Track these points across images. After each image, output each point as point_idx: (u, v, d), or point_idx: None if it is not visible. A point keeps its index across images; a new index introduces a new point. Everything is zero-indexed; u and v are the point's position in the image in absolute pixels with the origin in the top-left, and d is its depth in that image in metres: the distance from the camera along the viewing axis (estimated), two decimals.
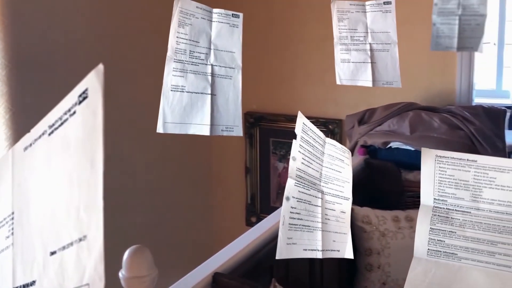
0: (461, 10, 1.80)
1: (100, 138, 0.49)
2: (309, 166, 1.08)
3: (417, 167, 2.75)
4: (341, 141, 3.42)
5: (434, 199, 1.16)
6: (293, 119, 3.52)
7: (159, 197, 3.34)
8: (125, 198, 3.03)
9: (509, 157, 4.24)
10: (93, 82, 0.50)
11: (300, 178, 1.06)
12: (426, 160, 1.19)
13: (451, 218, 1.17)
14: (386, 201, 2.61)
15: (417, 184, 2.67)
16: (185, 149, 3.47)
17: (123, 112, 3.00)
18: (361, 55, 1.43)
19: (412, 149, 2.69)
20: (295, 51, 3.50)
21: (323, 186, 1.13)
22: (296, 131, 1.14)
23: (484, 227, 1.13)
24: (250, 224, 3.59)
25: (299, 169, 1.05)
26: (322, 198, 1.13)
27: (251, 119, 3.65)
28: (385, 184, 2.69)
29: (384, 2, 1.36)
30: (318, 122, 3.46)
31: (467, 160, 1.09)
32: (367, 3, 1.38)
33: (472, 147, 2.65)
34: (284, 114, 3.55)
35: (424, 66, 3.20)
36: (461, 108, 2.82)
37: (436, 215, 1.17)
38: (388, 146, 2.76)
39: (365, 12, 1.39)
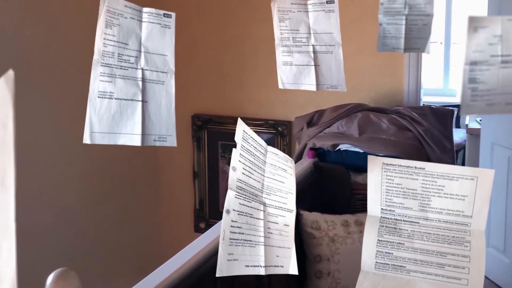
0: (407, 9, 1.77)
1: (11, 154, 0.45)
2: (250, 177, 1.02)
3: (366, 169, 2.70)
4: (290, 143, 3.36)
5: (382, 209, 1.10)
6: None
7: (103, 206, 3.19)
8: (58, 213, 2.87)
9: (457, 156, 4.30)
10: (1, 90, 0.44)
11: (241, 190, 1.00)
12: (373, 169, 1.13)
13: (399, 229, 1.12)
14: (336, 204, 2.56)
15: (366, 187, 2.64)
16: (130, 153, 3.33)
17: (56, 117, 2.84)
18: (304, 57, 1.36)
19: (361, 151, 2.65)
20: (243, 51, 3.42)
21: (265, 197, 1.06)
22: (236, 139, 1.07)
23: (433, 238, 1.09)
24: (199, 231, 3.49)
25: (240, 180, 0.99)
26: (264, 211, 1.07)
27: (199, 122, 3.55)
28: (334, 187, 2.64)
29: (327, 1, 1.29)
30: (267, 124, 3.39)
31: (415, 167, 1.04)
32: (309, 2, 1.31)
33: (421, 148, 2.64)
34: (232, 116, 3.46)
35: (373, 66, 3.18)
36: (409, 108, 2.81)
37: (383, 226, 1.12)
38: (337, 148, 2.72)
39: (307, 11, 1.32)
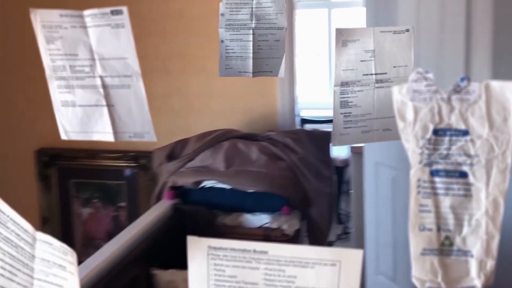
0: (254, 21, 1.39)
1: None
2: (12, 280, 0.74)
3: (235, 209, 2.21)
4: (155, 178, 2.90)
5: None
6: (96, 154, 2.93)
7: None
8: None
9: (342, 173, 4.04)
10: None
11: None
12: (194, 255, 0.83)
13: None
14: None
15: (236, 229, 2.25)
16: None
17: None
18: (91, 94, 0.93)
19: (228, 187, 2.26)
20: None
21: None
22: None
23: None
24: None
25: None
26: None
27: (45, 158, 2.99)
28: (198, 233, 2.21)
29: (111, 12, 0.86)
30: (127, 156, 2.92)
31: (254, 251, 0.78)
32: (86, 13, 0.88)
33: (296, 180, 2.29)
34: (86, 149, 2.94)
35: (242, 86, 2.81)
36: (283, 134, 2.47)
37: None
38: (201, 185, 2.30)
39: (86, 27, 0.89)
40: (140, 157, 2.92)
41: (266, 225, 2.19)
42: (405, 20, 2.50)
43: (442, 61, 2.30)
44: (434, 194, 0.75)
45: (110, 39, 0.93)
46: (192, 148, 2.42)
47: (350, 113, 1.48)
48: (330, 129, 2.37)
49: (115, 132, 1.00)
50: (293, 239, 2.18)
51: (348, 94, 1.45)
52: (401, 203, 2.69)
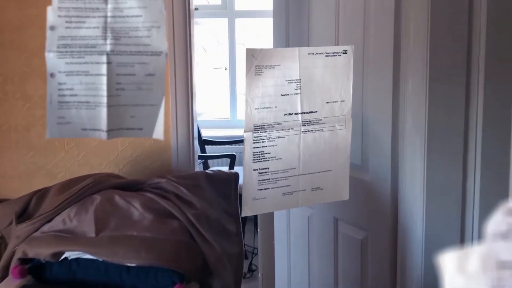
0: (110, 40, 0.81)
1: None
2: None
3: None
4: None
5: None
6: None
7: None
8: None
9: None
10: None
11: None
12: None
13: None
14: None
15: None
16: None
17: None
18: None
19: (100, 259, 1.65)
20: None
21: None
22: None
23: None
24: None
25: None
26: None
27: None
28: None
29: None
30: None
31: None
32: None
33: (190, 245, 1.73)
34: None
35: None
36: (177, 180, 1.90)
37: None
38: (63, 257, 1.68)
39: None
40: None
41: None
42: (322, 35, 2.04)
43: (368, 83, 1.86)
44: None
45: None
46: (51, 203, 1.79)
47: (266, 169, 1.02)
48: (237, 170, 1.83)
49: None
50: None
51: (264, 142, 1.00)
52: (316, 242, 2.27)
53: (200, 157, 4.39)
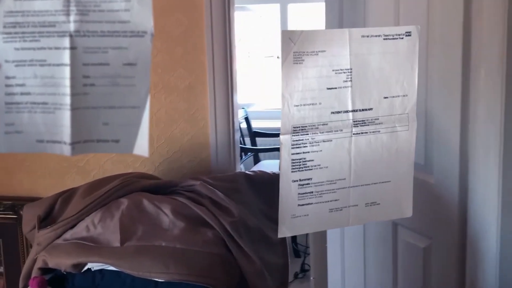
0: (75, 16, 0.58)
1: None
2: None
3: None
4: None
5: None
6: None
7: None
8: None
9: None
10: None
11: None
12: None
13: None
14: None
15: None
16: None
17: None
18: None
19: (126, 272, 1.48)
20: None
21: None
22: None
23: None
24: None
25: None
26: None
27: None
28: None
29: None
30: (2, 205, 2.11)
31: None
32: None
33: (226, 258, 1.53)
34: None
35: (167, 108, 2.04)
36: (213, 182, 1.70)
37: None
38: (85, 268, 1.52)
39: None
40: (21, 205, 2.11)
41: None
42: (380, 15, 1.80)
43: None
44: None
45: None
46: (75, 206, 1.63)
47: (309, 179, 0.84)
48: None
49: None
50: None
51: (305, 147, 0.82)
52: (372, 248, 2.06)
53: (250, 150, 4.21)
